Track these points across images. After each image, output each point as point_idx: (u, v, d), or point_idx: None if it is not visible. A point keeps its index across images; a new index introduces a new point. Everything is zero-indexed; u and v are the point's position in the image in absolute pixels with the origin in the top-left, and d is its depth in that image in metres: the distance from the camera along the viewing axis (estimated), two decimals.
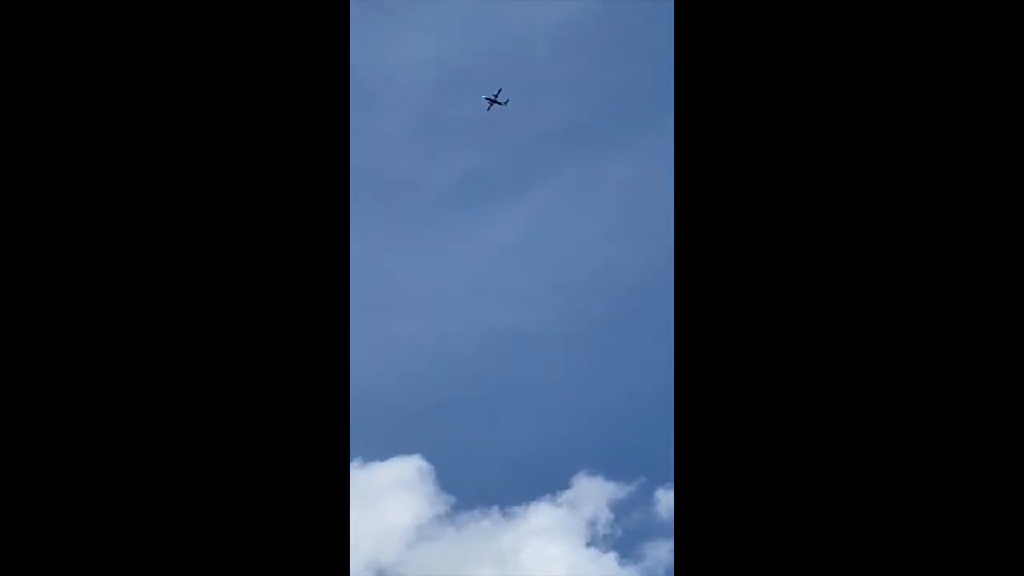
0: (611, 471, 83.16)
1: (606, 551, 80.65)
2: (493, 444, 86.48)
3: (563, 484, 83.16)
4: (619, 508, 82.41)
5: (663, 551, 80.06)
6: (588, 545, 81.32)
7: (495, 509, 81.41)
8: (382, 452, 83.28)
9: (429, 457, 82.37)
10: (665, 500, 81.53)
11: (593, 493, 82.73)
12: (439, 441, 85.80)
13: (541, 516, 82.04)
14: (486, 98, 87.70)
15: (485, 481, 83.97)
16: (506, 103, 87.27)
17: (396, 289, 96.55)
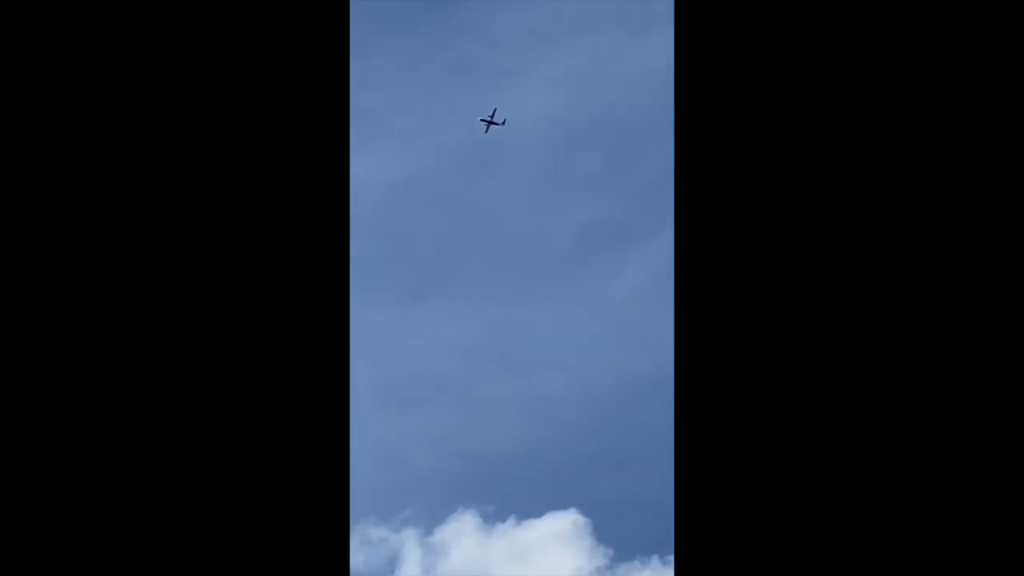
0: None
1: None
2: (646, 492, 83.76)
3: None
4: None
5: None
6: None
7: (655, 559, 79.54)
8: (536, 509, 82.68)
9: (584, 510, 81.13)
10: None
11: None
12: (592, 493, 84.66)
13: None
14: (482, 120, 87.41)
15: (642, 531, 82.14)
16: (503, 123, 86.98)
17: (532, 345, 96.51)
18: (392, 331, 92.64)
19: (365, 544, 78.20)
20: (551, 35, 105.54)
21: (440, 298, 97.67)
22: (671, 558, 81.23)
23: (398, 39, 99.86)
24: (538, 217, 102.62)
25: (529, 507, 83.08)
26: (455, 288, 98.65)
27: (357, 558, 77.37)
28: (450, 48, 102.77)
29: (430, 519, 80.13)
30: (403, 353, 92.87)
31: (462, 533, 79.65)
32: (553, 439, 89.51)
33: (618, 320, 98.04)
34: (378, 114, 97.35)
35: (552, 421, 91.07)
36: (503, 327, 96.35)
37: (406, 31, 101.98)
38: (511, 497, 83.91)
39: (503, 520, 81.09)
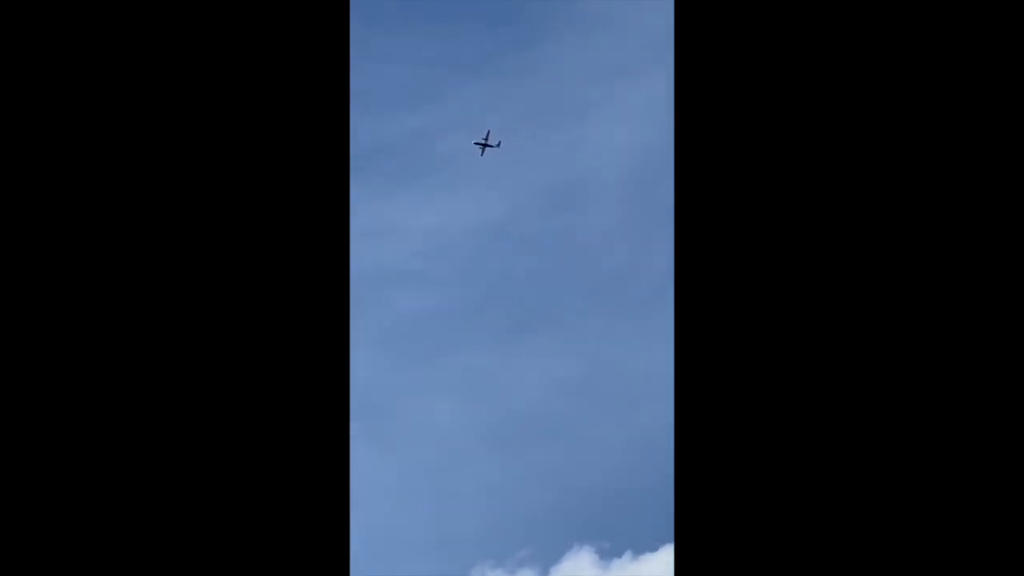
0: None
1: None
2: None
3: None
4: None
5: None
6: None
7: None
8: (652, 543, 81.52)
9: None
10: None
11: None
12: None
13: None
14: (476, 143, 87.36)
15: None
16: (498, 145, 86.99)
17: (633, 378, 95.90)
18: (492, 371, 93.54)
19: None
20: (628, 67, 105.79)
21: (538, 336, 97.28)
22: None
23: (474, 82, 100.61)
24: (631, 250, 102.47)
25: (645, 541, 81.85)
26: (553, 326, 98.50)
27: None
28: (527, 86, 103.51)
29: (546, 558, 79.05)
30: (504, 392, 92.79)
31: (579, 570, 78.76)
32: (662, 472, 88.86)
33: None
34: (463, 158, 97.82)
35: (659, 454, 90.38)
36: (603, 362, 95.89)
37: (481, 74, 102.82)
38: (626, 532, 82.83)
39: (619, 555, 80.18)
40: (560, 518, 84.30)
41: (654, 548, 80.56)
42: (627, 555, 79.53)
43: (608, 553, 79.91)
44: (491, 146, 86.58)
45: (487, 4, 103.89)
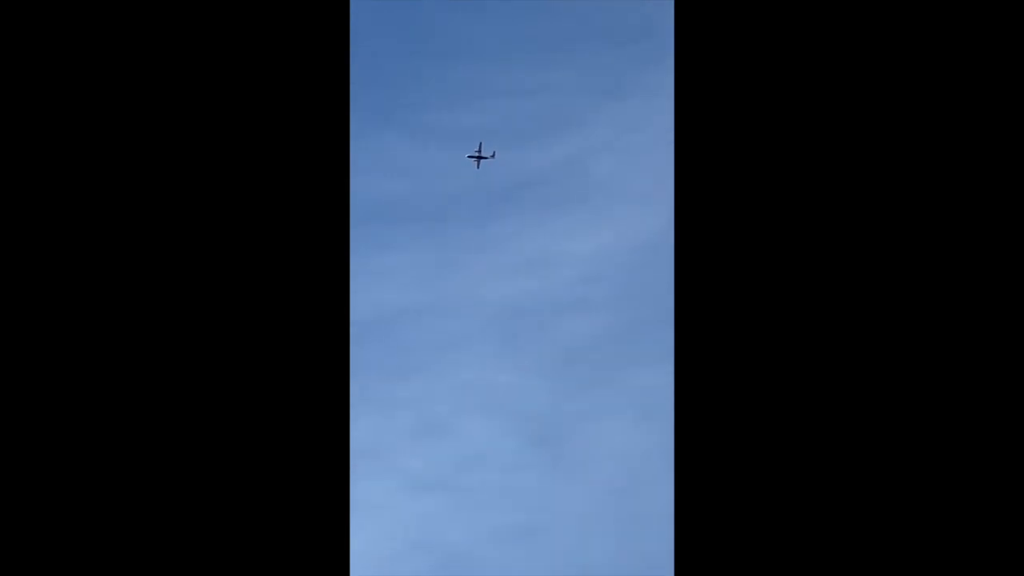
0: None
1: None
2: None
3: None
4: None
5: None
6: None
7: None
8: None
9: None
10: None
11: None
12: None
13: None
14: (470, 156, 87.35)
15: None
16: (492, 156, 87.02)
17: None
18: (668, 390, 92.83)
19: None
20: None
21: None
22: None
23: (616, 105, 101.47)
24: None
25: None
26: None
27: None
28: (666, 106, 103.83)
29: None
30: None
31: None
32: None
33: None
34: (612, 180, 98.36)
35: None
36: None
37: (622, 96, 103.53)
38: None
39: None
40: None
41: None
42: None
43: None
44: (485, 157, 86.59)
45: (608, 25, 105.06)
